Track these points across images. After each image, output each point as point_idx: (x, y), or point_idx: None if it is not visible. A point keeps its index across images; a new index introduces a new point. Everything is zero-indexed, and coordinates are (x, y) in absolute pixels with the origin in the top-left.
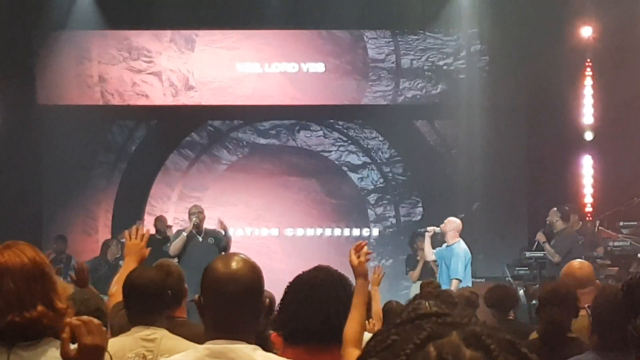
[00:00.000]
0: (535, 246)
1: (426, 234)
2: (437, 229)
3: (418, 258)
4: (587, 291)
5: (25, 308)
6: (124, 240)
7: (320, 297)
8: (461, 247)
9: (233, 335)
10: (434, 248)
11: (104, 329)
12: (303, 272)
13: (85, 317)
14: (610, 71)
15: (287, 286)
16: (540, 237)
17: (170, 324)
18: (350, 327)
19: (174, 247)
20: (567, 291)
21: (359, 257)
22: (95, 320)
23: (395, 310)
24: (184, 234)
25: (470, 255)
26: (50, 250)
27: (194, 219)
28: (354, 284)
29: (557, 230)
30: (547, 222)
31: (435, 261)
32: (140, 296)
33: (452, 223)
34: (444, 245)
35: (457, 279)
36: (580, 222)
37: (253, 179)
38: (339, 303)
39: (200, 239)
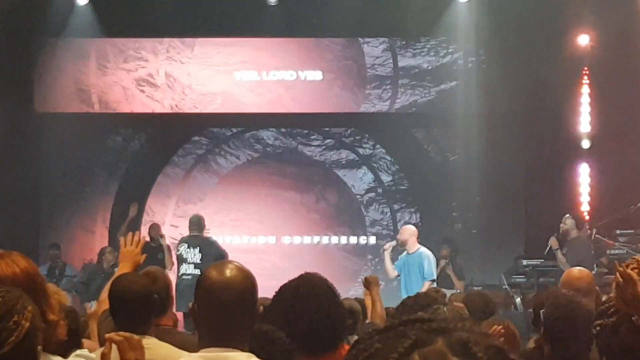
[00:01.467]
0: (547, 250)
1: (385, 252)
2: (393, 242)
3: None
4: (586, 300)
5: None
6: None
7: (302, 307)
8: (427, 250)
9: (227, 342)
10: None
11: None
12: (288, 281)
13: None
14: (607, 79)
15: (272, 297)
16: (553, 243)
17: (157, 331)
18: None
19: (169, 263)
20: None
21: None
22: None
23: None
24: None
25: (430, 258)
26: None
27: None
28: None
29: (570, 237)
30: (561, 229)
31: (398, 276)
32: (127, 303)
33: (408, 230)
34: (404, 253)
35: (431, 280)
36: (595, 230)
37: (250, 186)
38: (322, 312)
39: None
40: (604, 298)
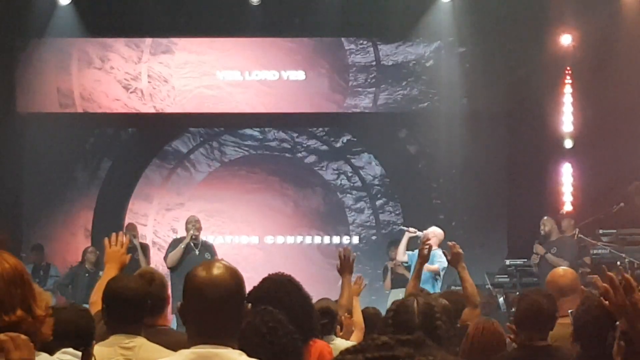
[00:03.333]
0: (538, 260)
1: (407, 232)
2: (420, 233)
3: (388, 264)
4: (570, 299)
5: (5, 311)
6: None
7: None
8: (438, 254)
9: (217, 340)
10: (409, 251)
11: (32, 344)
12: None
13: (12, 333)
14: (590, 79)
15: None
16: (539, 249)
17: (152, 331)
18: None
19: (172, 258)
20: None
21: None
22: (22, 336)
23: (372, 317)
24: (182, 245)
25: (445, 264)
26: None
27: (191, 230)
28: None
29: (554, 238)
30: (543, 232)
31: (405, 262)
32: (120, 305)
33: (438, 234)
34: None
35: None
36: (577, 230)
37: (233, 186)
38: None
39: (197, 252)
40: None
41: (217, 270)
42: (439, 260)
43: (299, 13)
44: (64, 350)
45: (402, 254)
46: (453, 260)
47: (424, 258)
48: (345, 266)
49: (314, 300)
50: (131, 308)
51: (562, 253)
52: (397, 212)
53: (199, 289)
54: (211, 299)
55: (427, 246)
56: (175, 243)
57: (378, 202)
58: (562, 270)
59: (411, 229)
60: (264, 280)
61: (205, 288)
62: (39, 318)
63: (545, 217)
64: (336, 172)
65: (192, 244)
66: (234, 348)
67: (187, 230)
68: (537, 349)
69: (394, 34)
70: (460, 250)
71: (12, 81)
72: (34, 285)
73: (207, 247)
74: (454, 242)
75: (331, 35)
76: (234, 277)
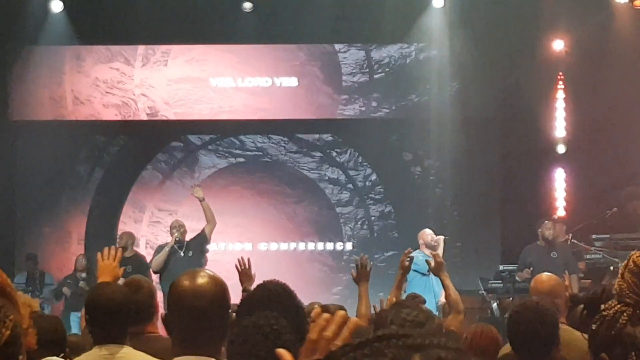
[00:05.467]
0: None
1: (440, 240)
2: (414, 253)
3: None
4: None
5: None
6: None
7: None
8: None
9: (201, 350)
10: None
11: None
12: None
13: None
14: (582, 84)
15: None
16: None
17: (141, 339)
18: None
19: (156, 262)
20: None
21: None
22: None
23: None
24: (166, 249)
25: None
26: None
27: (175, 234)
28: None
29: (559, 242)
30: (550, 236)
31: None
32: (103, 314)
33: (429, 235)
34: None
35: None
36: (571, 235)
37: (226, 193)
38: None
39: (182, 254)
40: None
41: (200, 280)
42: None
43: (292, 20)
44: (47, 359)
45: None
46: (435, 269)
47: (405, 269)
48: (362, 274)
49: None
50: (114, 316)
51: (566, 260)
52: (391, 218)
53: (182, 298)
54: (195, 310)
55: (409, 258)
56: (160, 249)
57: (371, 208)
58: (546, 277)
59: (443, 237)
60: (259, 287)
61: (188, 298)
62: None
63: (548, 221)
64: (329, 178)
65: (176, 247)
66: (217, 358)
67: (172, 234)
68: None
69: (387, 40)
70: (442, 260)
71: (5, 89)
72: (17, 296)
73: (192, 246)
74: (436, 252)
75: (324, 41)
76: (219, 287)
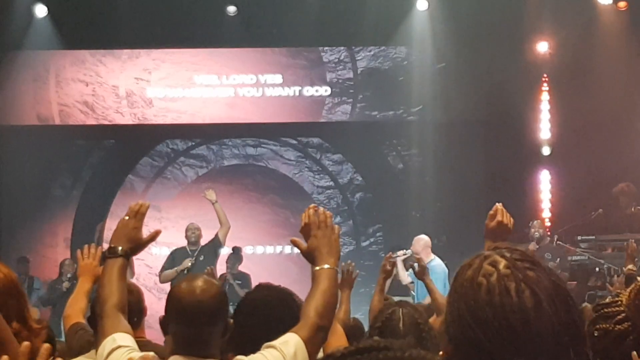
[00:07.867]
0: None
1: (397, 259)
2: (408, 252)
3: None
4: None
5: None
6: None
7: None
8: (437, 264)
9: (200, 353)
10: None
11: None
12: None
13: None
14: (566, 86)
15: (234, 310)
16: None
17: None
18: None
19: (164, 276)
20: None
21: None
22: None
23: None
24: (178, 269)
25: (447, 270)
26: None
27: (189, 264)
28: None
29: (544, 243)
30: (538, 234)
31: (412, 282)
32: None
33: (421, 241)
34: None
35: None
36: (556, 237)
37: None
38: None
39: (194, 260)
40: (607, 300)
41: (199, 285)
42: (439, 267)
43: (276, 23)
44: None
45: (406, 277)
46: (419, 273)
47: (387, 273)
48: (346, 281)
49: None
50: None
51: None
52: (377, 221)
53: (181, 304)
54: (193, 317)
55: (391, 262)
56: (174, 255)
57: (356, 211)
58: None
59: (399, 253)
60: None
61: (187, 305)
62: (35, 331)
63: (536, 221)
64: (314, 181)
65: (188, 269)
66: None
67: (187, 238)
68: None
69: (371, 42)
70: (425, 264)
71: None
72: (27, 297)
73: (205, 250)
74: (420, 256)
75: (308, 44)
76: (217, 293)
